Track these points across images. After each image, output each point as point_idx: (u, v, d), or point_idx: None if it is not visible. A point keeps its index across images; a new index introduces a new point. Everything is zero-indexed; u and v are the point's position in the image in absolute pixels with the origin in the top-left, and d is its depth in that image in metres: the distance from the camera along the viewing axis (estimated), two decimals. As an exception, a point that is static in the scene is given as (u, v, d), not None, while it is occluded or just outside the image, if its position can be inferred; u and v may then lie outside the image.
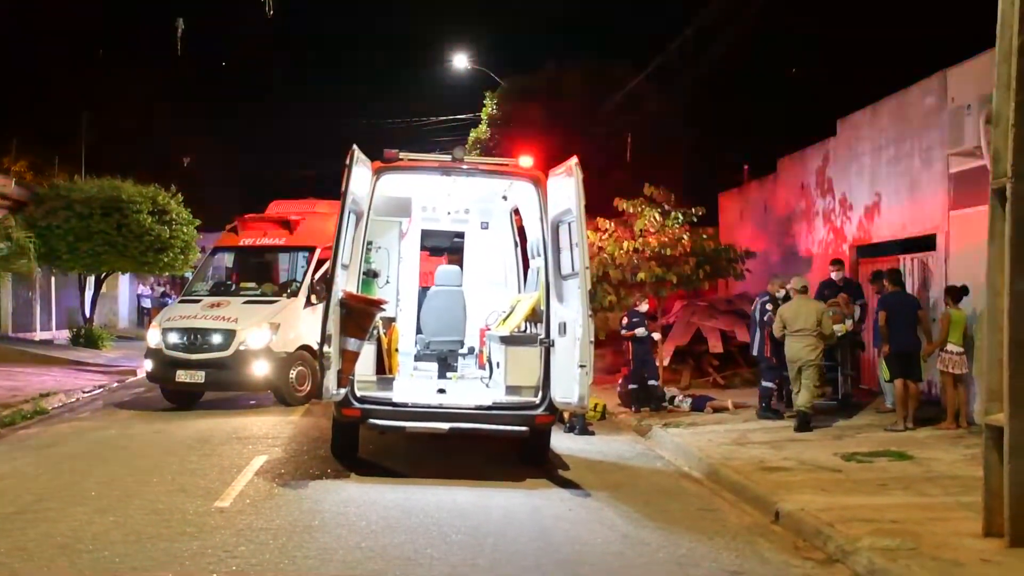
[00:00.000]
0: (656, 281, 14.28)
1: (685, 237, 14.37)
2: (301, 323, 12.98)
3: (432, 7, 40.27)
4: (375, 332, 9.25)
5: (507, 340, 9.32)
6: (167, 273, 23.94)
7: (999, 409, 6.03)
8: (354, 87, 44.27)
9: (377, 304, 8.81)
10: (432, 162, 9.42)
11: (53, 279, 23.93)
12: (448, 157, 9.21)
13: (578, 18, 26.82)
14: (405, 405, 8.59)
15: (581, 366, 7.91)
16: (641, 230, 14.40)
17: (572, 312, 8.28)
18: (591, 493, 8.11)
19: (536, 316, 9.31)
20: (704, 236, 14.99)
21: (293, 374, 12.84)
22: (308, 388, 12.82)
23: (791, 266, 15.83)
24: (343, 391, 8.21)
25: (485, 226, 11.82)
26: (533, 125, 22.46)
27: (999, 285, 6.05)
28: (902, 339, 10.72)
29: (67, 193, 20.72)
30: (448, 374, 10.69)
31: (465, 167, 9.25)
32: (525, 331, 9.55)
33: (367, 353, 8.90)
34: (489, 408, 8.59)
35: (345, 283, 8.43)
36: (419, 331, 11.26)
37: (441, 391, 9.45)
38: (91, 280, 22.95)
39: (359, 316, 8.27)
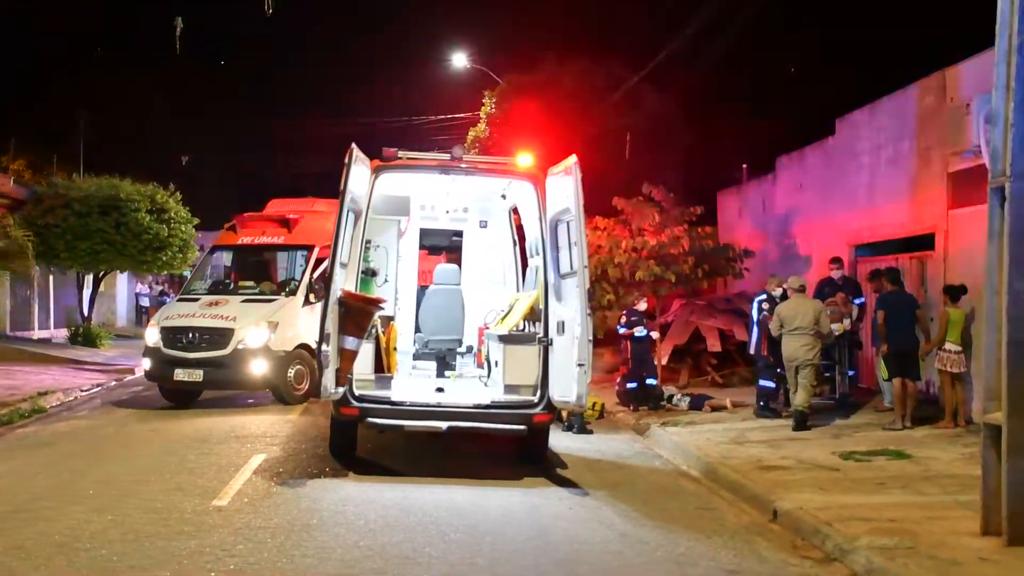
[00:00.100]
0: (655, 280, 14.28)
1: (684, 236, 14.37)
2: (299, 322, 12.97)
3: (431, 6, 40.25)
4: (373, 331, 9.24)
5: (505, 339, 9.31)
6: (165, 272, 23.92)
7: (997, 408, 6.03)
8: (353, 86, 44.23)
9: (376, 303, 8.80)
10: (431, 161, 9.42)
11: (51, 278, 23.91)
12: (447, 156, 9.21)
13: (577, 16, 26.77)
14: (403, 404, 8.59)
15: (579, 365, 7.91)
16: (640, 229, 14.39)
17: (570, 311, 8.29)
18: (589, 492, 8.11)
19: (535, 315, 9.30)
20: (703, 235, 14.99)
21: (291, 373, 12.83)
22: (306, 387, 12.82)
23: (790, 265, 15.83)
24: (341, 390, 8.21)
25: (484, 225, 11.81)
26: (532, 124, 22.44)
27: (997, 284, 6.05)
28: (900, 338, 10.73)
29: (65, 192, 20.72)
30: (446, 373, 10.69)
31: (464, 166, 9.24)
32: (523, 330, 9.54)
33: (365, 352, 8.90)
34: (487, 407, 8.59)
35: (344, 282, 8.42)
36: (418, 330, 11.25)
37: (439, 390, 9.45)
38: (89, 279, 22.94)
39: (358, 315, 8.27)
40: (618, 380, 13.60)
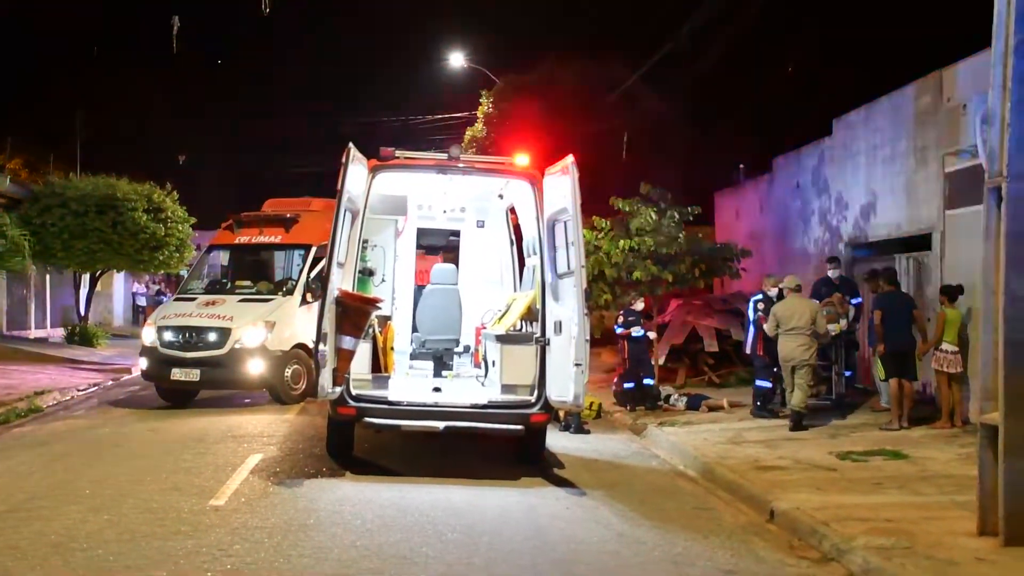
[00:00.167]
0: (652, 280, 14.29)
1: (681, 236, 14.37)
2: (296, 321, 12.96)
3: (429, 6, 40.25)
4: (371, 330, 9.24)
5: (503, 339, 9.31)
6: (162, 271, 23.89)
7: (994, 408, 6.04)
8: (350, 85, 44.24)
9: (373, 302, 8.80)
10: (428, 160, 9.41)
11: (48, 277, 23.88)
12: (444, 155, 9.20)
13: (574, 15, 26.81)
14: (400, 403, 8.59)
15: (577, 365, 7.91)
16: (637, 228, 14.40)
17: (568, 311, 8.29)
18: (587, 492, 8.11)
19: (532, 315, 9.30)
20: (700, 235, 15.01)
21: (288, 372, 12.83)
22: (303, 386, 12.82)
23: (787, 265, 15.84)
24: (339, 389, 8.20)
25: (481, 224, 11.82)
26: (529, 123, 22.45)
27: (994, 284, 6.06)
28: (897, 338, 10.74)
29: (62, 191, 20.69)
30: (444, 372, 10.70)
31: (461, 165, 9.24)
32: (521, 330, 9.54)
33: (363, 351, 8.89)
34: (485, 407, 8.58)
35: (341, 281, 8.42)
36: (415, 329, 11.25)
37: (437, 389, 9.46)
38: (86, 278, 22.91)
39: (355, 314, 8.27)
40: (615, 380, 13.60)
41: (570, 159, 8.24)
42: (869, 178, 13.85)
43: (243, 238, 14.41)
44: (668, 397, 13.09)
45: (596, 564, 6.07)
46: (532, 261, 9.83)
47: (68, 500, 7.22)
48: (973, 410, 9.71)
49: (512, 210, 10.98)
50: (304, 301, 13.10)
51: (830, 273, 12.76)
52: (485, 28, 34.46)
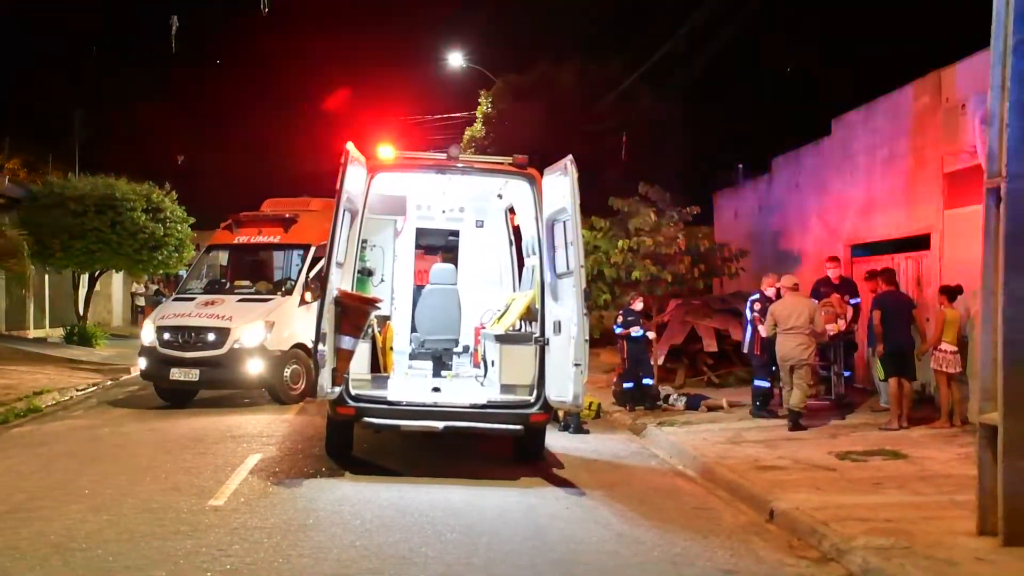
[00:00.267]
0: (651, 280, 14.29)
1: (680, 236, 14.38)
2: (296, 321, 12.95)
3: (428, 6, 40.24)
4: (370, 330, 9.24)
5: (502, 339, 9.31)
6: (161, 271, 23.87)
7: (993, 408, 6.04)
8: (349, 86, 44.17)
9: (372, 302, 8.80)
10: (427, 160, 9.42)
11: (47, 277, 23.85)
12: (443, 155, 9.20)
13: (574, 15, 26.80)
14: (400, 403, 8.59)
15: (576, 365, 7.91)
16: (636, 228, 14.40)
17: (567, 311, 8.29)
18: (586, 492, 8.11)
19: (531, 315, 9.31)
20: (699, 235, 15.01)
21: (287, 372, 12.83)
22: (302, 386, 12.82)
23: (786, 265, 15.83)
24: (338, 389, 8.20)
25: (480, 224, 11.82)
26: (528, 123, 22.46)
27: (993, 284, 6.06)
28: (896, 338, 10.74)
29: (61, 191, 20.66)
30: (443, 372, 10.70)
31: (460, 165, 9.24)
32: (520, 330, 9.55)
33: (362, 351, 8.89)
34: (484, 407, 8.58)
35: (340, 281, 8.42)
36: (414, 329, 11.25)
37: (436, 389, 9.46)
38: (85, 278, 22.87)
39: (354, 314, 8.27)
40: (614, 380, 13.60)
41: (569, 159, 8.24)
42: (868, 178, 13.84)
43: (242, 238, 14.41)
44: (667, 397, 13.08)
45: (595, 564, 6.07)
46: (531, 261, 9.84)
47: (67, 500, 7.22)
48: (972, 410, 9.72)
49: (511, 210, 10.98)
50: (303, 301, 13.10)
51: (829, 273, 12.75)
52: (484, 28, 34.48)
